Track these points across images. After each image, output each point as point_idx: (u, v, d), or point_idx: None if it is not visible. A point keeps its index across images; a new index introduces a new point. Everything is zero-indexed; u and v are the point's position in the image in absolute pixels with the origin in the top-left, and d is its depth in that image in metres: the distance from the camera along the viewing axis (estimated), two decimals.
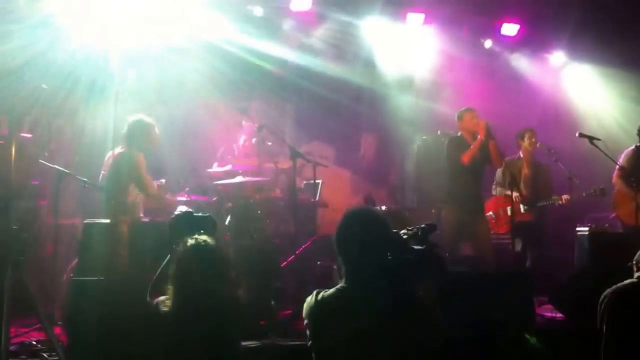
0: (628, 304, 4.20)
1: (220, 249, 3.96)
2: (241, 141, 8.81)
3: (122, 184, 6.84)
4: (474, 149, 7.60)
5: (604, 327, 4.23)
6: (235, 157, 8.57)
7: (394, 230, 3.34)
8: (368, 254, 3.19)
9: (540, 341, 3.15)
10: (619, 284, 4.29)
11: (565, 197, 8.32)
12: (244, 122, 8.88)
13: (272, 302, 6.46)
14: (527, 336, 3.23)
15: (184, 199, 7.58)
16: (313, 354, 3.27)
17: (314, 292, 3.28)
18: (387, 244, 3.24)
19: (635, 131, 8.46)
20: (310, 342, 3.25)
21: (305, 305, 3.29)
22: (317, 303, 3.22)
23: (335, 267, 3.35)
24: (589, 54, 10.86)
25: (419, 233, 3.34)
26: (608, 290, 4.29)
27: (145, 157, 6.97)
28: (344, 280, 3.25)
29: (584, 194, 8.25)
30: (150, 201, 7.19)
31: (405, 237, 3.34)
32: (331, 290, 3.23)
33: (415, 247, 3.30)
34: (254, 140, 8.48)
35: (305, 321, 3.29)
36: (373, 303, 3.12)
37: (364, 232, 3.22)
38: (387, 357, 3.08)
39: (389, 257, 3.22)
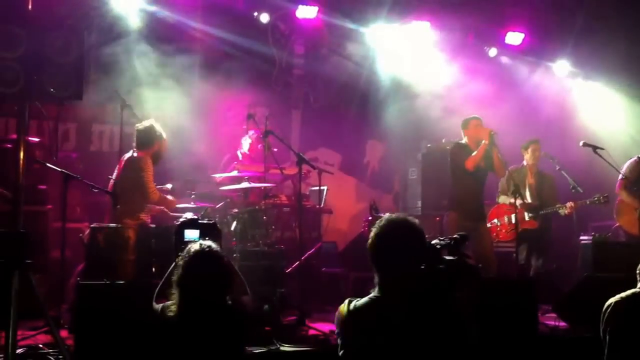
0: (631, 313, 4.21)
1: (224, 255, 3.97)
2: (247, 146, 8.83)
3: (129, 189, 6.90)
4: (477, 155, 7.64)
5: (607, 336, 4.24)
6: (241, 163, 8.61)
7: (427, 240, 3.30)
8: (403, 263, 3.15)
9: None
10: (622, 293, 4.30)
11: (570, 204, 8.32)
12: (246, 127, 8.93)
13: (266, 306, 6.48)
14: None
15: (190, 205, 7.62)
16: None
17: (346, 301, 3.22)
18: (422, 253, 3.21)
19: (638, 140, 8.50)
20: (341, 351, 3.19)
21: (337, 314, 3.23)
22: (350, 312, 3.16)
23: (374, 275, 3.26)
24: (593, 62, 10.90)
25: (452, 243, 3.30)
26: (611, 300, 4.30)
27: (153, 163, 7.04)
28: (377, 289, 3.20)
29: (587, 202, 8.26)
30: (155, 208, 7.24)
31: (438, 247, 3.30)
32: (364, 299, 3.18)
33: (448, 257, 3.27)
34: (259, 146, 8.51)
35: (337, 330, 3.24)
36: (407, 313, 3.08)
37: (400, 241, 3.18)
38: None
39: (423, 267, 3.19)
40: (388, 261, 3.18)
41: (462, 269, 3.23)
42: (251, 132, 8.76)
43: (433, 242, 3.30)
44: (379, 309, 3.13)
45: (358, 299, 3.20)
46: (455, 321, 3.14)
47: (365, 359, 3.13)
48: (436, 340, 3.06)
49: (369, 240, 3.25)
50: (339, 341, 3.23)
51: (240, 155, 8.82)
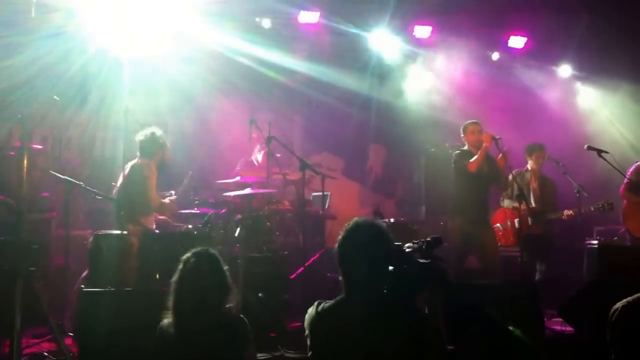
0: (638, 318, 4.19)
1: (219, 259, 3.92)
2: (260, 155, 8.85)
3: (133, 196, 6.88)
4: (479, 157, 7.62)
5: (614, 341, 4.22)
6: (243, 169, 8.60)
7: (397, 243, 3.33)
8: (367, 266, 3.19)
9: (524, 333, 3.19)
10: (629, 298, 4.28)
11: (567, 212, 8.31)
12: (254, 135, 8.93)
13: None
14: (511, 328, 3.24)
15: (193, 211, 7.61)
16: None
17: (315, 303, 3.30)
18: (388, 256, 3.24)
19: None
20: (310, 352, 3.26)
21: (307, 316, 3.31)
22: (317, 314, 3.24)
23: (340, 278, 3.33)
24: (596, 66, 10.89)
25: (424, 247, 3.34)
26: (618, 304, 4.26)
27: (157, 169, 7.04)
28: (343, 292, 3.26)
29: (592, 208, 8.24)
30: (159, 217, 7.24)
31: (409, 250, 3.33)
32: (331, 302, 3.25)
33: (420, 260, 3.29)
34: (263, 152, 8.53)
35: (306, 331, 3.30)
36: (370, 315, 3.13)
37: (364, 244, 3.22)
38: None
39: (391, 270, 3.22)
40: (351, 264, 3.24)
41: (431, 273, 3.25)
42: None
43: (405, 245, 3.32)
44: (343, 311, 3.20)
45: (327, 301, 3.27)
46: (420, 325, 3.16)
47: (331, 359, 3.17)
48: (399, 341, 3.09)
49: (337, 244, 3.29)
50: (308, 342, 3.29)
51: (255, 161, 8.85)
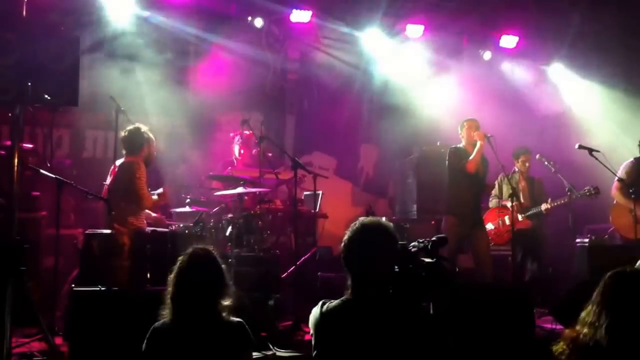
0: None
1: (216, 257, 3.91)
2: (237, 151, 8.83)
3: (123, 195, 6.83)
4: (476, 157, 7.63)
5: None
6: (234, 168, 8.59)
7: (403, 243, 3.31)
8: (374, 266, 3.17)
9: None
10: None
11: (545, 206, 8.40)
12: (232, 134, 8.94)
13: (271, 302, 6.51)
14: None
15: (185, 209, 7.59)
16: None
17: (320, 303, 3.26)
18: (394, 256, 3.22)
19: (635, 142, 8.49)
20: (314, 352, 3.23)
21: (311, 316, 3.27)
22: (322, 314, 3.20)
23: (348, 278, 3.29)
24: (588, 65, 10.91)
25: (429, 246, 3.31)
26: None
27: (145, 166, 6.98)
28: (349, 292, 3.23)
29: (579, 195, 8.26)
30: (150, 216, 7.20)
31: (414, 249, 3.31)
32: (336, 302, 3.22)
33: (425, 260, 3.28)
34: (254, 151, 8.50)
35: (311, 331, 3.28)
36: (377, 316, 3.11)
37: (370, 243, 3.20)
38: None
39: (396, 270, 3.21)
40: (358, 264, 3.21)
41: (437, 272, 3.23)
42: (237, 138, 8.78)
43: (411, 245, 3.31)
44: (350, 311, 3.17)
45: (331, 300, 3.24)
46: (425, 325, 3.15)
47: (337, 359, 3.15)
48: (405, 342, 3.07)
49: (342, 243, 3.27)
50: (312, 342, 3.26)
51: (235, 162, 8.81)
